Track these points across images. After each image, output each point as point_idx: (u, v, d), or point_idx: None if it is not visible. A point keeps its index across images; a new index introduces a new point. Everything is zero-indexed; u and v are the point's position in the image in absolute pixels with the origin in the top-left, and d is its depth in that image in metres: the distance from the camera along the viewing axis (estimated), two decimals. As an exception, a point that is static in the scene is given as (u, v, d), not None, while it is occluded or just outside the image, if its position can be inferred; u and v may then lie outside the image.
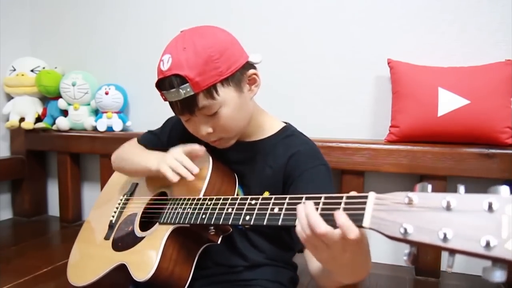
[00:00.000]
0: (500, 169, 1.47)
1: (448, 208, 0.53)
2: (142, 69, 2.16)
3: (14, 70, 2.28)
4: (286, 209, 0.80)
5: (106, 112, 2.13)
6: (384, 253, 1.73)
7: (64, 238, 2.13)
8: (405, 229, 0.56)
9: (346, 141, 1.67)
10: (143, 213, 1.21)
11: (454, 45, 1.62)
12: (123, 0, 2.22)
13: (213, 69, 0.97)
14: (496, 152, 1.47)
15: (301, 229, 0.72)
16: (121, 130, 2.13)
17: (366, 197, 0.66)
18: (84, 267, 1.25)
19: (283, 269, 1.19)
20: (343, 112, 1.81)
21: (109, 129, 2.13)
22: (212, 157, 1.13)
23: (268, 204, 0.84)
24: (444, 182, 1.57)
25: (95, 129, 2.17)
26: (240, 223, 0.88)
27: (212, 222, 0.95)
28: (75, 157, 2.32)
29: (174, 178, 1.04)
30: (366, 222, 0.63)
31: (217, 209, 0.95)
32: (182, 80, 0.96)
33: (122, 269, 1.09)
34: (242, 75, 1.05)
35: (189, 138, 1.14)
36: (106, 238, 1.25)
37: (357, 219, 0.65)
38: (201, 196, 1.05)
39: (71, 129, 2.22)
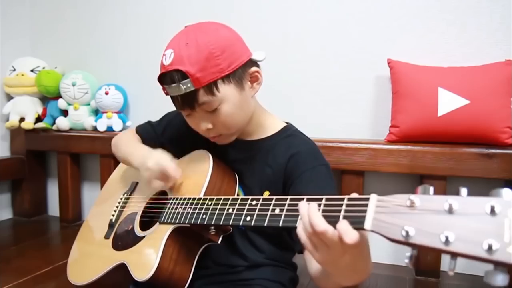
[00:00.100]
0: (500, 169, 1.46)
1: (450, 211, 0.53)
2: (142, 69, 2.17)
3: (14, 70, 2.27)
4: (287, 210, 0.80)
5: (106, 112, 2.12)
6: (384, 253, 1.73)
7: (64, 238, 2.13)
8: (407, 232, 0.56)
9: (346, 141, 1.67)
10: (143, 212, 1.21)
11: (454, 45, 1.62)
12: (123, 0, 2.21)
13: (214, 66, 0.98)
14: (496, 152, 1.47)
15: (302, 227, 0.72)
16: (121, 130, 2.12)
17: (367, 199, 0.66)
18: (84, 266, 1.25)
19: (283, 269, 1.19)
20: (343, 112, 1.81)
21: (109, 129, 2.13)
22: (213, 157, 1.13)
23: (269, 205, 0.84)
24: (444, 182, 1.57)
25: (95, 129, 2.17)
26: (240, 223, 0.88)
27: (212, 223, 0.95)
28: (75, 157, 2.31)
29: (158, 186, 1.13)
30: (367, 225, 0.63)
31: (217, 210, 0.95)
32: (183, 75, 0.97)
33: (122, 268, 1.09)
34: (243, 72, 1.05)
35: (187, 133, 1.16)
36: (106, 237, 1.25)
37: (359, 221, 0.64)
38: (201, 195, 1.05)
39: (71, 129, 2.22)
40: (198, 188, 1.07)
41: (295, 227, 0.74)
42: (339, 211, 0.69)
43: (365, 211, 0.65)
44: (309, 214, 0.70)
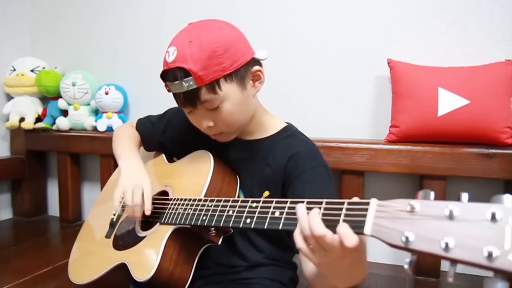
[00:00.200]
0: (500, 169, 1.46)
1: (450, 217, 0.53)
2: (142, 69, 2.17)
3: (14, 70, 2.27)
4: (287, 213, 0.80)
5: (106, 112, 2.12)
6: (384, 253, 1.73)
7: (64, 238, 2.13)
8: (407, 238, 0.55)
9: (346, 141, 1.67)
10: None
11: (454, 45, 1.62)
12: (123, 0, 2.21)
13: (216, 64, 0.98)
14: (496, 152, 1.46)
15: (299, 231, 0.72)
16: (121, 130, 2.12)
17: (367, 203, 0.66)
18: (85, 265, 1.26)
19: (283, 269, 1.19)
20: (343, 112, 1.81)
21: (109, 129, 2.12)
22: (214, 157, 1.13)
23: (269, 207, 0.84)
24: (444, 182, 1.57)
25: (95, 129, 2.17)
26: (240, 226, 0.88)
27: (212, 224, 0.95)
28: (75, 157, 2.31)
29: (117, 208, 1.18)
30: (367, 229, 0.63)
31: (217, 211, 0.95)
32: (186, 73, 0.97)
33: (122, 268, 1.10)
34: (246, 71, 1.05)
35: (188, 132, 1.18)
36: (107, 236, 1.26)
37: (358, 226, 0.64)
38: (202, 196, 1.05)
39: (71, 129, 2.22)
40: (199, 189, 1.07)
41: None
42: (339, 215, 0.68)
43: (365, 215, 0.64)
44: (309, 217, 0.70)
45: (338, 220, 0.68)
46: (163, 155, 1.36)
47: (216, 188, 1.09)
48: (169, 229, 1.05)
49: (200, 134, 1.13)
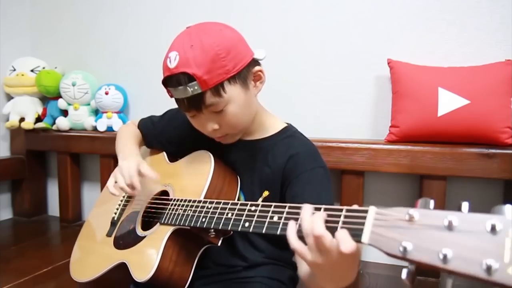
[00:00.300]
0: (500, 169, 1.46)
1: (449, 227, 0.52)
2: (142, 69, 2.17)
3: (14, 70, 2.27)
4: (286, 218, 0.79)
5: (106, 112, 2.12)
6: (384, 253, 1.73)
7: (64, 238, 2.13)
8: (405, 247, 0.55)
9: (346, 141, 1.67)
10: (144, 211, 1.22)
11: (454, 45, 1.61)
12: (123, 0, 2.21)
13: (220, 67, 0.97)
14: (496, 152, 1.46)
15: (294, 229, 0.73)
16: (121, 130, 2.12)
17: (366, 211, 0.65)
18: (86, 263, 1.26)
19: (283, 268, 1.19)
20: (343, 112, 1.80)
21: (109, 129, 2.13)
22: (214, 157, 1.13)
23: (268, 211, 0.84)
24: (444, 182, 1.56)
25: (95, 129, 2.17)
26: (239, 229, 0.88)
27: (211, 226, 0.95)
28: (75, 157, 2.31)
29: (115, 192, 1.17)
30: (365, 238, 0.62)
31: (217, 213, 0.95)
32: (190, 78, 0.96)
33: (123, 267, 1.10)
34: (248, 72, 1.05)
35: (188, 133, 1.18)
36: (108, 235, 1.26)
37: (356, 234, 0.64)
38: (202, 197, 1.05)
39: (71, 129, 2.22)
40: (199, 190, 1.07)
41: None
42: (337, 222, 0.68)
43: (363, 223, 0.64)
44: (313, 216, 0.70)
45: (336, 227, 0.67)
46: (165, 154, 1.36)
47: (217, 189, 1.09)
48: (169, 230, 1.05)
49: (200, 135, 1.13)
